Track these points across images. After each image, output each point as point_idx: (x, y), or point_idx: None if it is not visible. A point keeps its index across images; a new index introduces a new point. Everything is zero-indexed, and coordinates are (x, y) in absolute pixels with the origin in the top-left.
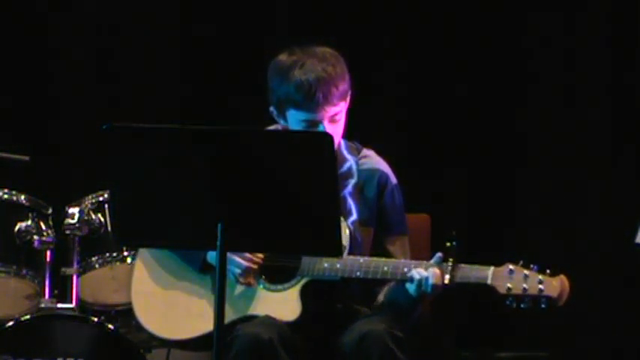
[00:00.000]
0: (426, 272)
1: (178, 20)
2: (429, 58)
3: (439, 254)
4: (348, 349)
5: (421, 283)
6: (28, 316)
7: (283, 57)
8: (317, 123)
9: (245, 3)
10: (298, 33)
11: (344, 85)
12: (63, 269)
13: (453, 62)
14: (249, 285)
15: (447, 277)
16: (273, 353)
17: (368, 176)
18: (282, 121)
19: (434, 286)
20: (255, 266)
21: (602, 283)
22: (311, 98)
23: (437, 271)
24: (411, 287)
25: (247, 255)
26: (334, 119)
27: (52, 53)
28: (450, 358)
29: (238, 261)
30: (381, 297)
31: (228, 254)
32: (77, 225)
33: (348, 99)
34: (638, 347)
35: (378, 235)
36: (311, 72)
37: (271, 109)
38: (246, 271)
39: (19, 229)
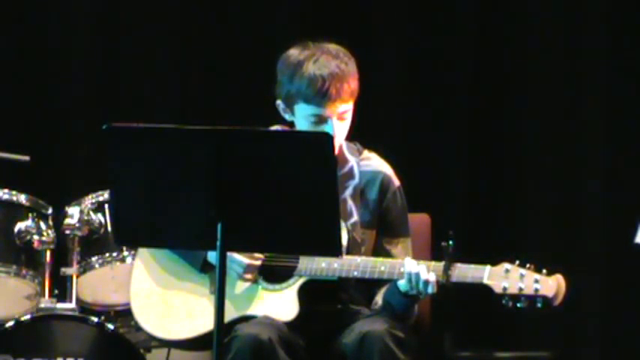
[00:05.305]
0: (417, 267)
1: (179, 20)
2: (429, 58)
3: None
4: (348, 349)
5: (411, 278)
6: (27, 316)
7: (296, 51)
8: (325, 119)
9: (245, 2)
10: (300, 33)
11: (354, 84)
12: (63, 269)
13: (452, 62)
14: (252, 281)
15: (442, 275)
16: (273, 353)
17: (370, 178)
18: (287, 116)
19: (425, 282)
20: (257, 263)
21: (602, 283)
22: (323, 93)
23: (430, 265)
24: (402, 285)
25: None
26: (342, 117)
27: (52, 53)
28: (450, 358)
29: (240, 259)
30: (377, 298)
31: (229, 253)
32: (77, 225)
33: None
34: (638, 347)
35: (380, 237)
36: (325, 67)
37: (278, 102)
38: (249, 268)
39: (19, 229)
